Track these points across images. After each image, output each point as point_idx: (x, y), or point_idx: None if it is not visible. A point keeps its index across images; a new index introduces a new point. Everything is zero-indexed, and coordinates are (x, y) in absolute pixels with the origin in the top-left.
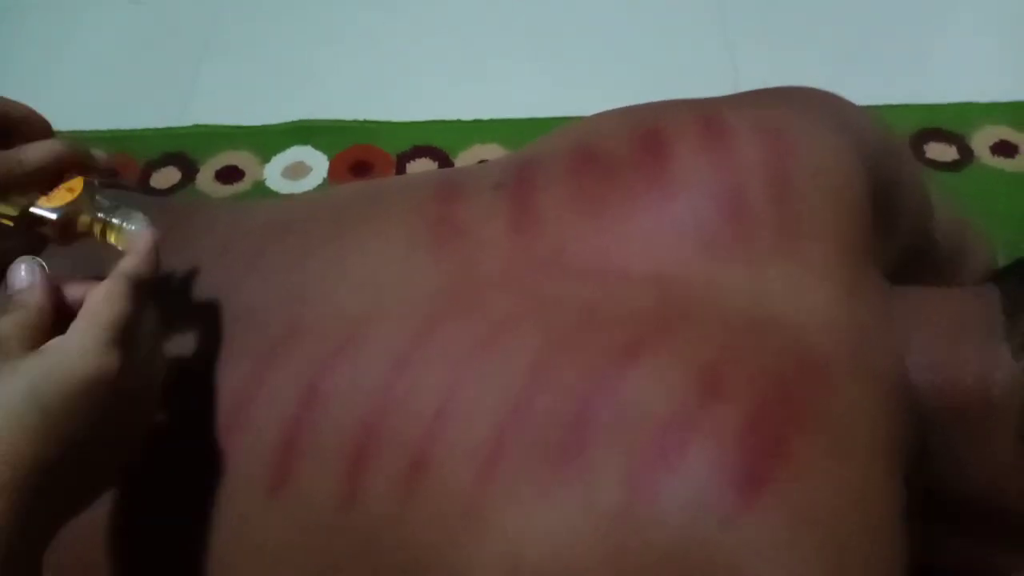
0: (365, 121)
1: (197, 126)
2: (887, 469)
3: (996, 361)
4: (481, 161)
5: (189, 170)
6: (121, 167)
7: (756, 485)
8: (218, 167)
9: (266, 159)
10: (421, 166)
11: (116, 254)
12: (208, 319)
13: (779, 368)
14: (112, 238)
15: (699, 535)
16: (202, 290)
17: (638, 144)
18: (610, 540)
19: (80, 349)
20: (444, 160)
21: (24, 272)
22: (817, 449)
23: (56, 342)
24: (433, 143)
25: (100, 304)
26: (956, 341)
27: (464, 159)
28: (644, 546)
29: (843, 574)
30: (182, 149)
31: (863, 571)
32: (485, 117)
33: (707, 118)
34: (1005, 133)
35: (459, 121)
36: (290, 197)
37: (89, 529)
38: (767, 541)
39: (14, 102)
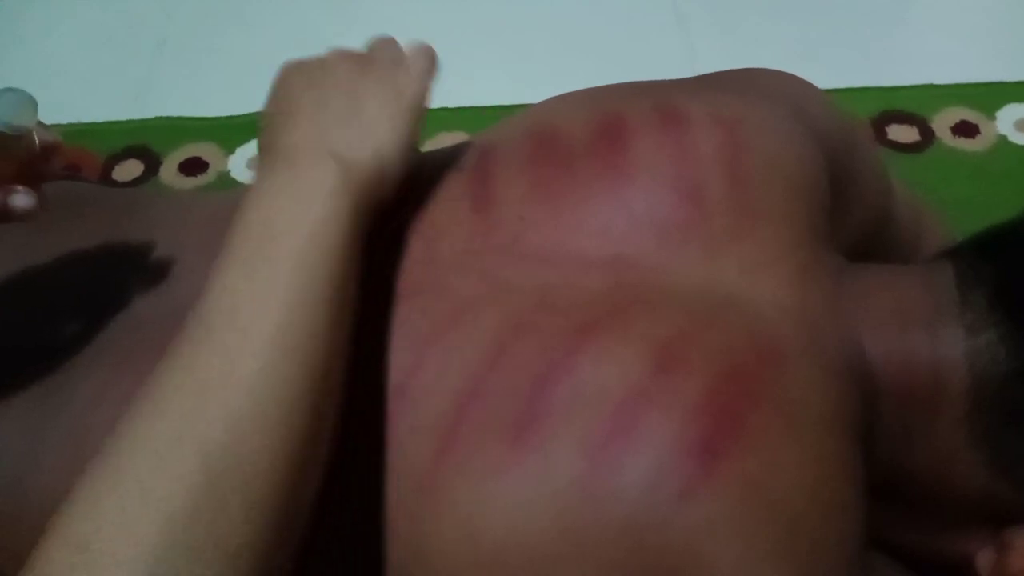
0: None
1: (159, 118)
2: (840, 444)
3: (945, 341)
4: None
5: (152, 163)
6: (82, 160)
7: (712, 457)
8: (182, 159)
9: (230, 150)
10: None
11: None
12: None
13: (732, 345)
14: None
15: (656, 508)
16: None
17: (596, 132)
18: (567, 513)
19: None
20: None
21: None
22: (771, 423)
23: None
24: None
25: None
26: (906, 321)
27: (431, 147)
28: (601, 519)
29: (795, 549)
30: (144, 141)
31: (814, 546)
32: (451, 105)
33: (664, 107)
34: (966, 114)
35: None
36: None
37: None
38: (722, 516)
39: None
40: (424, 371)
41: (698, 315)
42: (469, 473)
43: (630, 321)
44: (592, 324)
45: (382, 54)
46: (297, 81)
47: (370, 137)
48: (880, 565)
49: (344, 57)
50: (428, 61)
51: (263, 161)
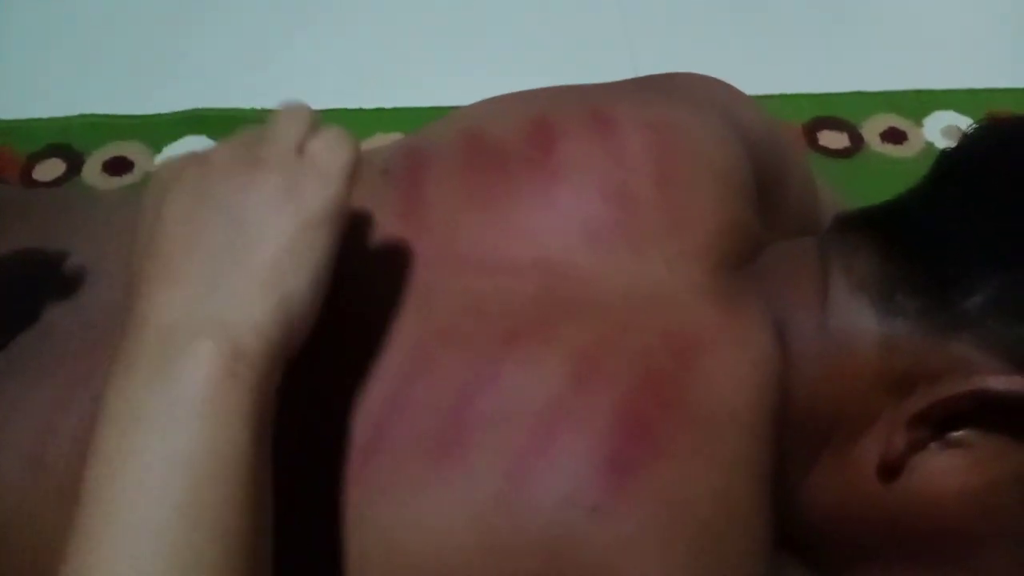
0: (262, 110)
1: (84, 116)
2: (752, 445)
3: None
4: None
5: (75, 162)
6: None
7: (623, 471)
8: (106, 158)
9: (158, 150)
10: None
11: None
12: None
13: (649, 348)
14: None
15: (570, 523)
16: None
17: (527, 136)
18: (484, 529)
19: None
20: None
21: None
22: (682, 431)
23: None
24: None
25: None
26: (810, 294)
27: (367, 147)
28: (519, 534)
29: (706, 558)
30: (68, 140)
31: (725, 554)
32: (388, 106)
33: (593, 110)
34: (894, 121)
35: (360, 109)
36: None
37: None
38: (634, 530)
39: None
40: (344, 384)
41: (619, 319)
42: (387, 491)
43: (553, 328)
44: (518, 331)
45: (280, 145)
46: (170, 204)
47: (267, 285)
48: (791, 567)
49: (229, 161)
50: (343, 148)
51: (129, 330)
